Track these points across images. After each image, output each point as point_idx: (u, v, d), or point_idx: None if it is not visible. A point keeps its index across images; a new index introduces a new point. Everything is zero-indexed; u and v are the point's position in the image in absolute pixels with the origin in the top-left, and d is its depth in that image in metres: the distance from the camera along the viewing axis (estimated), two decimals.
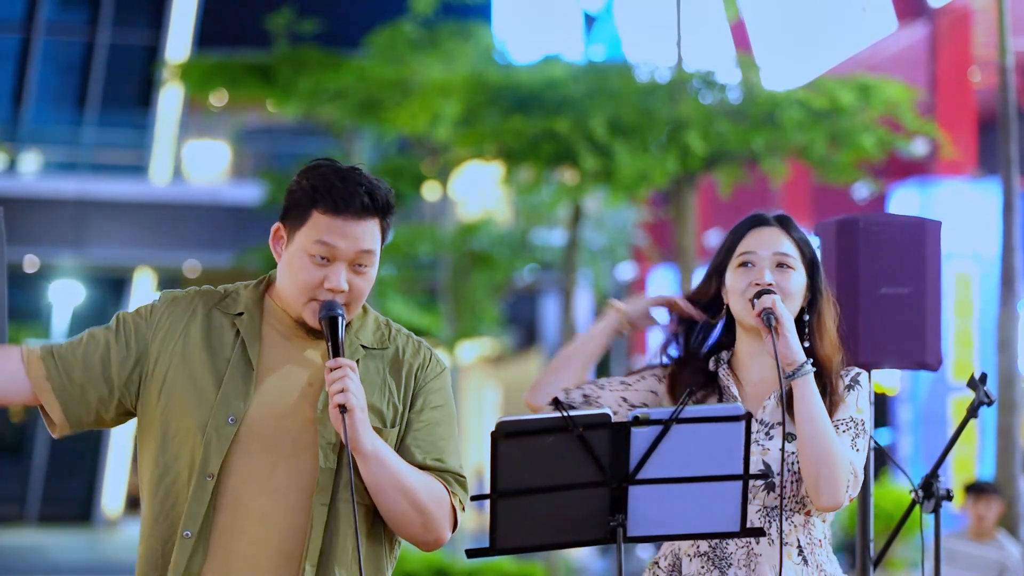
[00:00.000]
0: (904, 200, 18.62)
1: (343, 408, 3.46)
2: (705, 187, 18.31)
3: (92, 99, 31.12)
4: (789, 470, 3.97)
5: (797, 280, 4.10)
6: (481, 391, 39.29)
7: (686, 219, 14.32)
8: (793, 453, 3.97)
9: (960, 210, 17.87)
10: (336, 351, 3.52)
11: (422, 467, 3.58)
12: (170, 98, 30.75)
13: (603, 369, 30.80)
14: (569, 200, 17.04)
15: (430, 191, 24.83)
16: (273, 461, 3.54)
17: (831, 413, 4.00)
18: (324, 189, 3.63)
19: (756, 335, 4.08)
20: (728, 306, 4.15)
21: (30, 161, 31.42)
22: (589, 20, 19.16)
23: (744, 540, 3.94)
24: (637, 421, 3.51)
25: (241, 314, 3.65)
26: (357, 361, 3.59)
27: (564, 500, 3.52)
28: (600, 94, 14.22)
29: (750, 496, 3.91)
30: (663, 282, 26.78)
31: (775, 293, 4.03)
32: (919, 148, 17.49)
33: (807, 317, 4.11)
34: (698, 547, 4.00)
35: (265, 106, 23.77)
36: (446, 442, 3.63)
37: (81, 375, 3.62)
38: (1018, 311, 10.15)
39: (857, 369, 4.14)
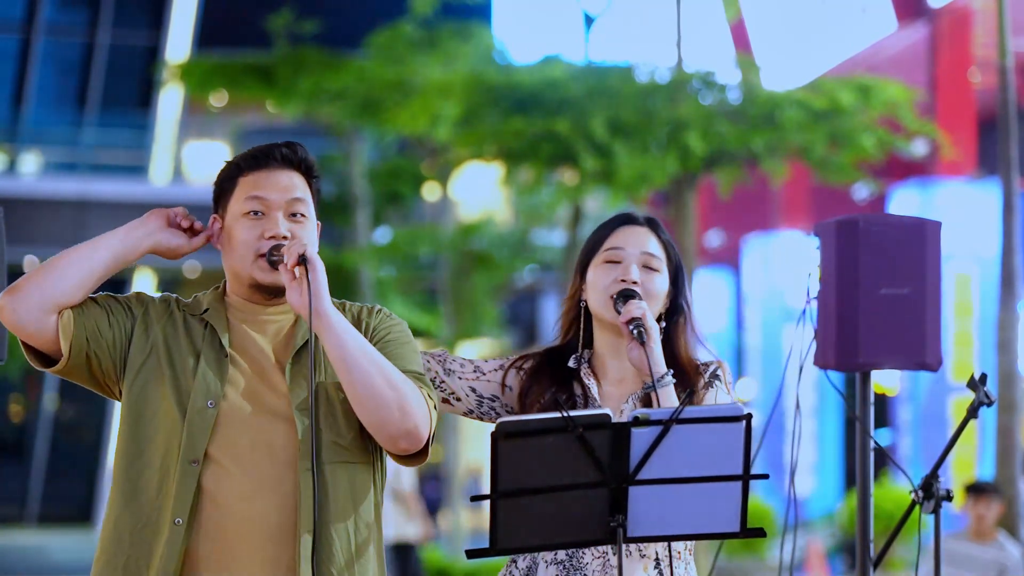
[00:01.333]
0: (904, 201, 18.62)
1: (303, 258, 3.53)
2: (705, 188, 18.31)
3: (92, 100, 31.12)
4: None
5: (661, 283, 4.06)
6: None
7: (686, 219, 14.32)
8: None
9: (960, 211, 17.87)
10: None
11: None
12: (170, 99, 30.75)
13: None
14: (569, 201, 17.04)
15: (430, 191, 24.84)
16: (252, 439, 3.57)
17: None
18: (244, 156, 3.74)
19: (615, 332, 4.03)
20: (586, 303, 4.07)
21: (30, 161, 31.42)
22: (589, 20, 19.15)
23: (600, 550, 3.91)
24: (637, 422, 3.51)
25: (207, 310, 3.72)
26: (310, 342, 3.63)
27: (564, 500, 3.52)
28: (600, 94, 14.22)
29: None
30: None
31: (639, 297, 3.98)
32: (919, 149, 17.49)
33: (663, 323, 4.07)
34: (555, 554, 3.93)
35: (265, 107, 23.79)
36: (405, 360, 3.65)
37: (95, 312, 3.67)
38: (1018, 312, 10.15)
39: (715, 363, 4.06)
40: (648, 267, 4.05)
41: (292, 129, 29.32)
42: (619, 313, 3.96)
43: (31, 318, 3.56)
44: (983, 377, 4.69)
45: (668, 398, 3.89)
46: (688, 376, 4.00)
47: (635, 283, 4.00)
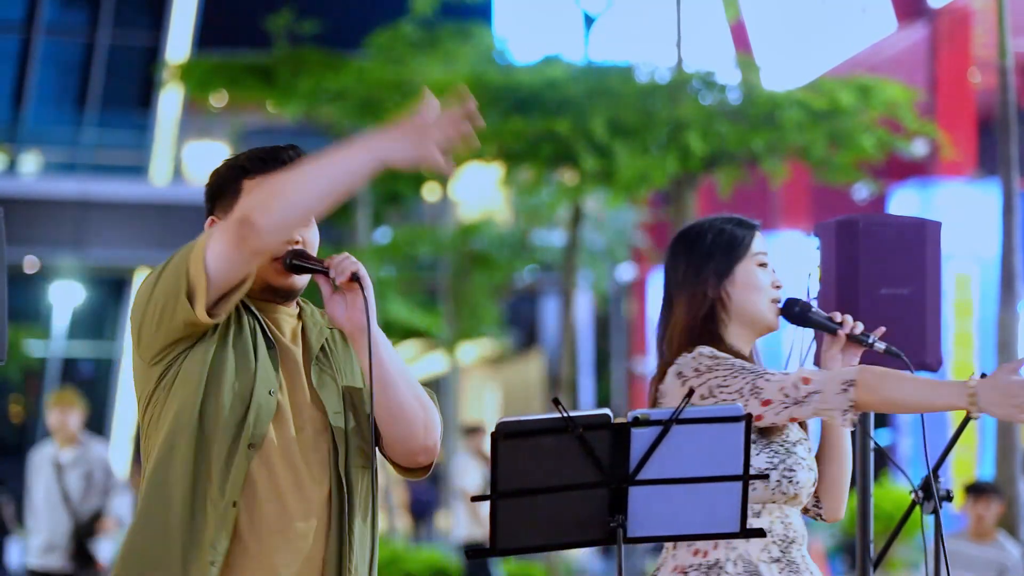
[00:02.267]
0: (904, 201, 18.63)
1: (357, 276, 3.57)
2: (705, 188, 18.30)
3: (92, 100, 31.12)
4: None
5: None
6: (481, 392, 39.29)
7: (686, 220, 14.32)
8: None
9: (960, 211, 17.87)
10: (321, 268, 3.60)
11: None
12: (170, 99, 30.75)
13: (602, 369, 30.80)
14: (569, 201, 17.05)
15: (430, 192, 24.85)
16: (291, 436, 3.58)
17: None
18: (248, 158, 3.69)
19: (752, 336, 4.07)
20: (726, 301, 4.05)
21: (30, 162, 31.42)
22: (589, 21, 19.16)
23: (801, 543, 3.99)
24: (637, 422, 3.51)
25: (248, 306, 3.67)
26: (323, 345, 3.66)
27: (564, 501, 3.52)
28: (600, 95, 14.22)
29: (805, 499, 4.00)
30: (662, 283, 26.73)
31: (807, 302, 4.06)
32: (919, 149, 17.49)
33: None
34: (770, 552, 3.98)
35: (265, 107, 23.77)
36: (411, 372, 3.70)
37: None
38: (1018, 312, 10.15)
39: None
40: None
41: (292, 129, 29.31)
42: (809, 322, 4.04)
43: (275, 240, 3.53)
44: (983, 377, 4.68)
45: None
46: None
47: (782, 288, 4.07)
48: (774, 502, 3.96)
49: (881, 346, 3.96)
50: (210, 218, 3.71)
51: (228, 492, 3.52)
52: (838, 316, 4.04)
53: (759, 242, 4.08)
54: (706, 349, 3.97)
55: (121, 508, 10.99)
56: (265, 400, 3.56)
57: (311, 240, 3.69)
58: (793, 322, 4.05)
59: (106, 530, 10.84)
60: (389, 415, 3.58)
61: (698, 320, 4.04)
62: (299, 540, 3.54)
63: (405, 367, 3.61)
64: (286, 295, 3.68)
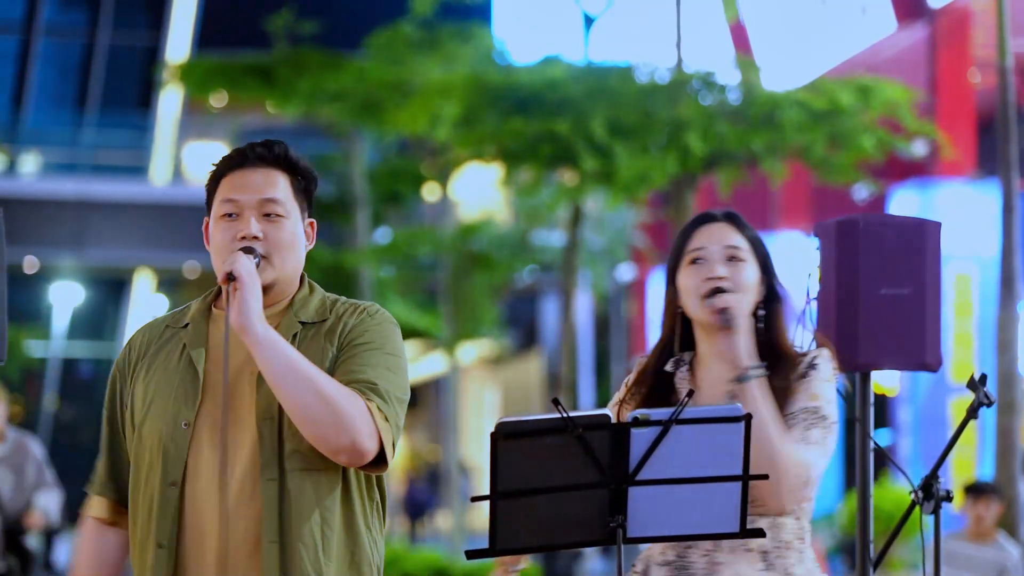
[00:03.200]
0: (904, 201, 18.63)
1: (231, 276, 3.47)
2: (705, 188, 18.29)
3: (92, 100, 31.12)
4: None
5: (750, 272, 4.02)
6: (481, 392, 39.29)
7: (685, 220, 14.30)
8: None
9: (960, 211, 17.87)
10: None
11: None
12: (170, 99, 30.76)
13: (602, 369, 30.83)
14: (569, 201, 17.05)
15: (430, 192, 24.84)
16: (230, 455, 3.53)
17: (784, 406, 3.92)
18: (223, 159, 3.70)
19: (712, 333, 4.01)
20: (682, 310, 4.05)
21: (30, 162, 31.42)
22: (589, 21, 19.16)
23: (705, 549, 3.90)
24: (636, 422, 3.51)
25: (187, 325, 3.67)
26: (294, 336, 3.58)
27: (564, 501, 3.52)
28: (600, 95, 14.22)
29: None
30: (662, 284, 26.74)
31: (729, 291, 3.96)
32: (919, 149, 17.49)
33: (762, 312, 4.03)
34: (665, 555, 3.95)
35: (265, 107, 23.79)
36: (365, 367, 3.57)
37: (125, 475, 3.70)
38: (1018, 312, 10.15)
39: (814, 353, 4.03)
40: (734, 258, 4.02)
41: (292, 129, 29.31)
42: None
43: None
44: (983, 378, 4.69)
45: (753, 391, 3.87)
46: (786, 366, 3.98)
47: (722, 279, 3.97)
48: None
49: (724, 321, 3.92)
50: (205, 219, 3.72)
51: (156, 533, 3.54)
52: (715, 299, 3.98)
53: (698, 238, 4.04)
54: (633, 367, 4.05)
55: (48, 503, 10.84)
56: (175, 437, 3.55)
57: (276, 238, 3.63)
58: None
59: (32, 525, 10.74)
60: (289, 415, 3.49)
61: (664, 322, 4.11)
62: (239, 557, 3.50)
63: (301, 365, 3.47)
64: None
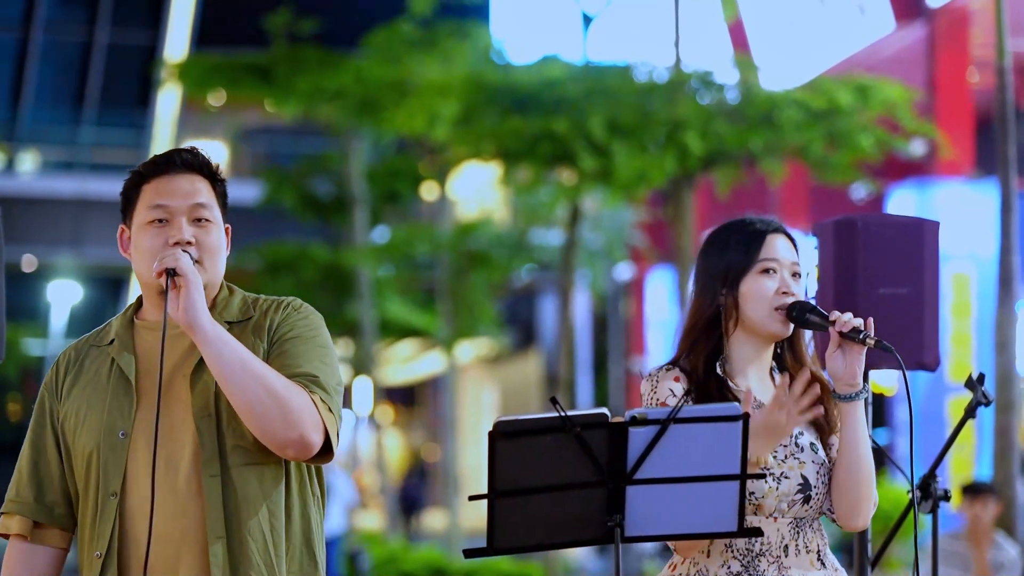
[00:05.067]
0: (902, 200, 18.63)
1: (171, 272, 3.49)
2: (703, 187, 18.30)
3: (90, 98, 31.11)
4: (822, 481, 3.98)
5: (803, 290, 4.09)
6: (479, 391, 39.28)
7: (684, 219, 14.32)
8: (824, 464, 3.98)
9: (958, 210, 17.87)
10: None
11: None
12: (168, 98, 30.74)
13: (600, 369, 30.81)
14: (567, 200, 17.04)
15: (428, 191, 24.83)
16: (167, 459, 3.55)
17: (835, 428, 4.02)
18: (146, 163, 3.71)
19: (764, 342, 4.04)
20: (733, 310, 4.04)
21: (28, 160, 31.41)
22: (587, 20, 19.16)
23: (774, 556, 3.93)
24: (634, 421, 3.51)
25: (112, 341, 3.71)
26: None
27: (562, 500, 3.52)
28: (598, 94, 14.21)
29: (785, 508, 3.92)
30: (660, 283, 26.76)
31: (809, 303, 4.01)
32: (917, 149, 17.50)
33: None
34: (729, 568, 3.93)
35: (263, 106, 23.79)
36: (300, 359, 3.59)
37: (53, 497, 3.72)
38: (1016, 312, 10.15)
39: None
40: (796, 275, 4.08)
41: (290, 128, 29.29)
42: (808, 323, 3.98)
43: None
44: (981, 377, 4.69)
45: (858, 411, 3.93)
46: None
47: (794, 295, 4.03)
48: None
49: (872, 341, 3.90)
50: (121, 226, 3.74)
51: (97, 544, 3.58)
52: (835, 314, 3.98)
53: (768, 248, 4.05)
54: (660, 375, 3.99)
55: None
56: (113, 448, 3.58)
57: (207, 242, 3.64)
58: (796, 325, 4.03)
59: None
60: (237, 410, 3.51)
61: (700, 326, 4.05)
62: (185, 556, 3.52)
63: (248, 360, 3.49)
64: None
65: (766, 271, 4.04)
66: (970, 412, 4.64)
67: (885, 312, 4.78)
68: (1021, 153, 10.51)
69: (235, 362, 3.48)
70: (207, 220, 3.65)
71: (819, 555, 3.99)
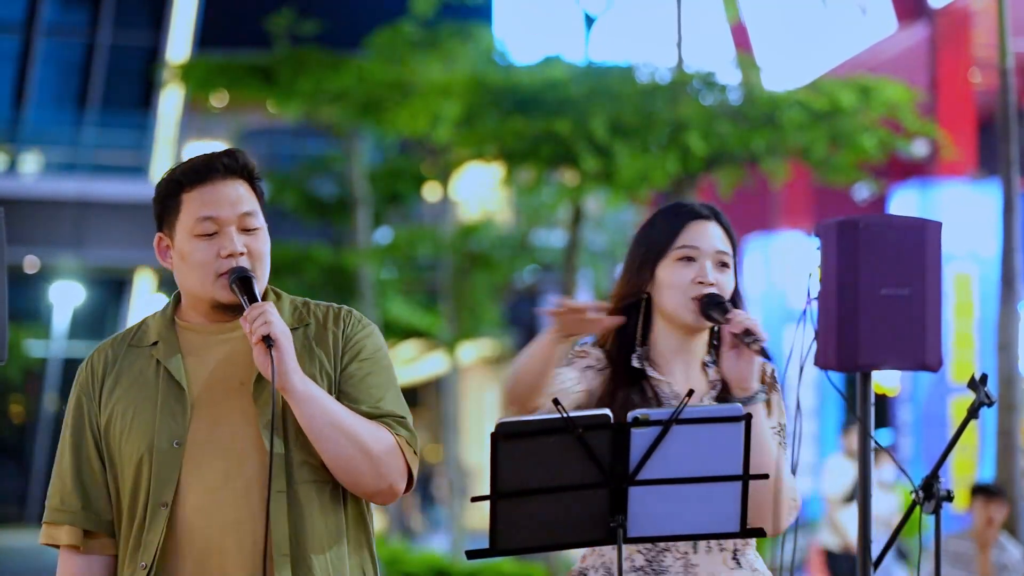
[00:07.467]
0: (904, 201, 18.61)
1: (268, 339, 3.39)
2: (705, 188, 18.28)
3: (93, 100, 31.12)
4: None
5: (730, 280, 3.97)
6: (481, 392, 39.27)
7: None
8: None
9: (960, 211, 17.85)
10: (252, 303, 3.48)
11: (361, 415, 3.51)
12: (170, 99, 30.75)
13: None
14: (569, 201, 17.04)
15: (430, 192, 24.84)
16: (225, 471, 3.47)
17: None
18: (183, 170, 3.59)
19: (684, 332, 3.94)
20: (648, 298, 3.95)
21: (31, 162, 31.42)
22: (589, 21, 19.15)
23: (680, 551, 3.86)
24: (637, 422, 3.51)
25: (156, 343, 3.59)
26: None
27: (564, 501, 3.52)
28: (600, 95, 14.21)
29: None
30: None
31: (726, 302, 3.88)
32: (919, 149, 17.49)
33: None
34: (632, 562, 3.87)
35: (266, 107, 23.78)
36: (381, 389, 3.55)
37: (100, 504, 3.59)
38: (1018, 312, 10.15)
39: (769, 364, 3.97)
40: (724, 265, 3.95)
41: (292, 129, 29.29)
42: (709, 317, 3.86)
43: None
44: (983, 377, 4.69)
45: (756, 416, 3.78)
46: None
47: (712, 284, 3.90)
48: None
49: (756, 346, 3.77)
50: (158, 235, 3.62)
51: (143, 555, 3.47)
52: (732, 312, 3.84)
53: (690, 234, 3.94)
54: (575, 353, 3.93)
55: None
56: (165, 456, 3.47)
57: (257, 250, 3.58)
58: (702, 317, 3.90)
59: None
60: (327, 464, 3.47)
61: (618, 310, 3.95)
62: (246, 573, 3.44)
63: (344, 419, 3.45)
64: (235, 309, 3.55)
65: (685, 258, 3.93)
66: (973, 413, 4.64)
67: (887, 313, 4.79)
68: (1023, 153, 10.51)
69: (326, 420, 3.43)
70: (256, 227, 3.58)
71: (734, 554, 3.90)
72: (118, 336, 3.67)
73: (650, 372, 3.94)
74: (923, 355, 4.83)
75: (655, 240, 3.96)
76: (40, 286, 30.13)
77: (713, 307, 3.87)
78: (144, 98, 31.36)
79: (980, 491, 9.29)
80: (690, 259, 3.93)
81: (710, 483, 3.54)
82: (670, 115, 13.80)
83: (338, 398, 3.51)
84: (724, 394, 3.94)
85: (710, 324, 3.93)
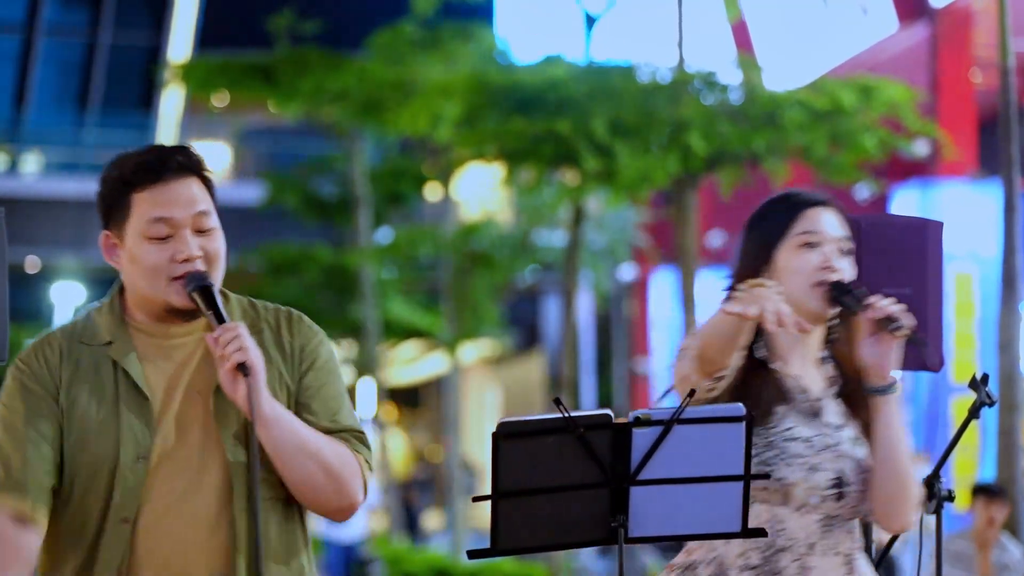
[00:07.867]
0: (905, 201, 18.61)
1: (243, 368, 3.27)
2: (706, 188, 18.29)
3: (94, 100, 31.13)
4: (860, 479, 3.78)
5: (852, 269, 3.85)
6: (482, 392, 39.28)
7: (687, 220, 14.32)
8: (864, 461, 3.78)
9: (961, 211, 17.86)
10: (219, 319, 3.32)
11: (320, 431, 3.43)
12: (171, 99, 30.76)
13: (604, 369, 30.82)
14: (570, 201, 17.05)
15: (431, 192, 24.86)
16: (185, 484, 3.38)
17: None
18: (133, 169, 3.38)
19: (808, 320, 3.74)
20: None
21: (32, 162, 31.44)
22: (590, 21, 19.16)
23: (798, 553, 3.75)
24: (638, 422, 3.50)
25: (110, 343, 3.42)
26: None
27: (565, 501, 3.52)
28: (601, 95, 14.22)
29: (816, 502, 3.75)
30: (664, 283, 26.76)
31: (850, 284, 3.74)
32: (920, 149, 17.48)
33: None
34: (748, 559, 3.76)
35: (266, 107, 23.80)
36: (337, 401, 3.48)
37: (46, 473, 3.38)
38: (1019, 312, 10.15)
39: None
40: (843, 251, 3.83)
41: (293, 129, 29.28)
42: (842, 304, 3.72)
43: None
44: (984, 377, 4.68)
45: (892, 407, 3.76)
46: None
47: (838, 271, 3.76)
48: (762, 503, 3.74)
49: (903, 333, 3.67)
50: (104, 233, 3.45)
51: (99, 572, 3.34)
52: (871, 299, 3.70)
53: (809, 220, 3.80)
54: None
55: None
56: (131, 471, 3.34)
57: (213, 252, 3.42)
58: (831, 305, 3.77)
59: None
60: (290, 486, 3.40)
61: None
62: None
63: (310, 441, 3.37)
64: (187, 314, 3.42)
65: (806, 244, 3.80)
66: (974, 413, 4.63)
67: None
68: None
69: (292, 442, 3.36)
70: (211, 227, 3.41)
71: (848, 559, 3.79)
72: (64, 328, 3.49)
73: (774, 365, 3.81)
74: (924, 355, 4.83)
75: (771, 227, 3.81)
76: (41, 286, 30.14)
77: (845, 294, 3.73)
78: (145, 98, 31.37)
79: (981, 491, 9.29)
80: (811, 245, 3.80)
81: (712, 483, 3.54)
82: (671, 115, 13.81)
83: (295, 410, 3.44)
84: (846, 389, 3.84)
85: (834, 313, 3.80)
